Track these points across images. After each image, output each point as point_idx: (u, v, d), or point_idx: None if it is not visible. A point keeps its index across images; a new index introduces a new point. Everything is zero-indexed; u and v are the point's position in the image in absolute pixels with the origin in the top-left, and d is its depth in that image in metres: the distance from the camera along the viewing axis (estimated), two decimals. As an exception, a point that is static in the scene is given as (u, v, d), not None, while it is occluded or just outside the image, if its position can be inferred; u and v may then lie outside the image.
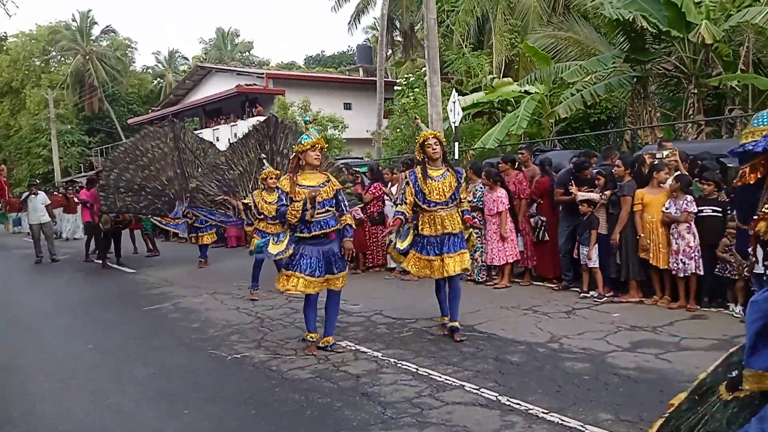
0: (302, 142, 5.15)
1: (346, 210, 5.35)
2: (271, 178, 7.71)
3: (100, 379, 5.11)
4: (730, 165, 6.67)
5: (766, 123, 1.54)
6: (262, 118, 12.37)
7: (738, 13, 11.48)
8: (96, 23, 42.53)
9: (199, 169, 10.68)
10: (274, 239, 5.58)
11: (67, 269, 12.34)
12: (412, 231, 5.63)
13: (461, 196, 5.65)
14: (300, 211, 5.05)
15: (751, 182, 1.54)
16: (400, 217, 5.54)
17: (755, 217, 1.50)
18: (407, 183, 5.61)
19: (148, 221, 12.59)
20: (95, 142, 39.01)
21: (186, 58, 48.97)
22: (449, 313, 5.72)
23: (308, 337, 5.43)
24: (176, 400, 4.49)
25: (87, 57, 39.62)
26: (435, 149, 5.54)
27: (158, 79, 46.81)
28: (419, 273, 5.70)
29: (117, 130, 38.67)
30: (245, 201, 8.25)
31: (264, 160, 8.26)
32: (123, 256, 12.32)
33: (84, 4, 79.04)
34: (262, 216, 7.72)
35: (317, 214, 5.12)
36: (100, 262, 12.10)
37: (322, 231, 5.18)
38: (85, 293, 9.43)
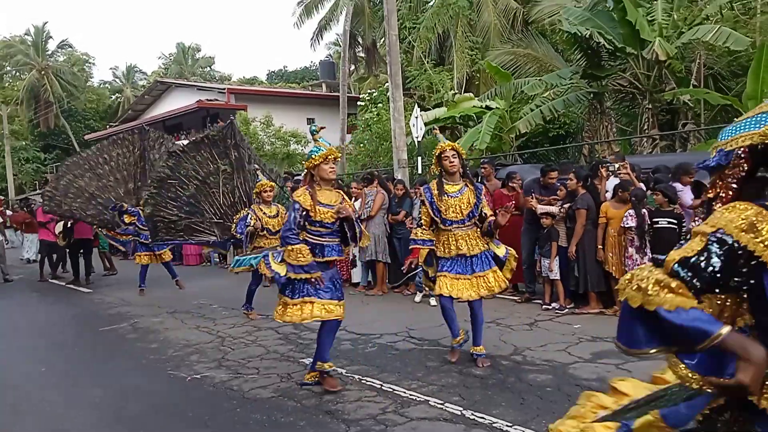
0: (313, 156, 4.52)
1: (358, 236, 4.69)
2: (266, 191, 7.26)
3: (54, 402, 4.91)
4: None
5: (726, 137, 1.54)
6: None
7: (689, 30, 11.92)
8: (51, 37, 41.60)
9: (87, 179, 10.00)
10: (274, 256, 4.69)
11: (22, 290, 11.91)
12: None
13: (485, 211, 5.07)
14: (303, 259, 4.42)
15: (710, 197, 1.59)
16: (418, 246, 5.10)
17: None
18: (422, 202, 5.18)
19: (106, 240, 12.25)
20: (51, 158, 37.99)
21: (145, 73, 48.22)
22: (473, 338, 5.20)
23: (327, 366, 4.71)
24: (134, 423, 4.35)
25: (42, 72, 38.65)
26: (453, 162, 5.05)
27: (116, 94, 45.96)
28: (448, 293, 5.02)
29: (74, 147, 37.71)
30: (252, 225, 7.16)
31: (258, 172, 7.62)
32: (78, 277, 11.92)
33: (39, 17, 77.61)
34: (264, 232, 7.21)
35: (330, 239, 4.58)
36: (55, 281, 11.74)
37: (334, 258, 4.67)
38: (39, 314, 9.10)
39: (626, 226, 6.43)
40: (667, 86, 12.76)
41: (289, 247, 4.43)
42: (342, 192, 4.81)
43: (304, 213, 4.47)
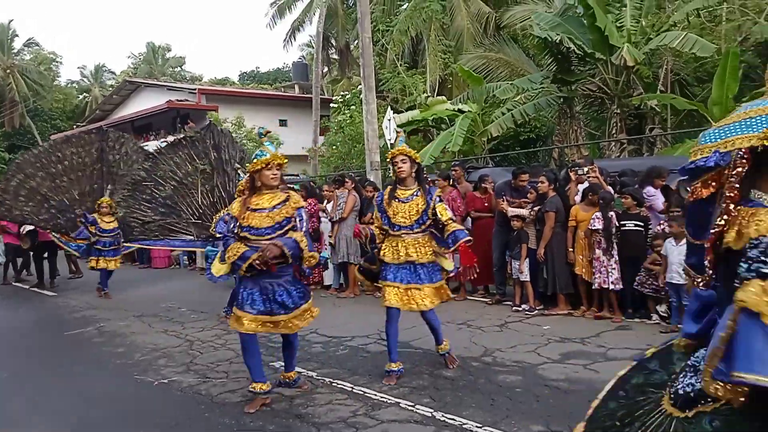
0: (255, 160, 4.38)
1: (307, 235, 4.52)
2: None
3: (16, 409, 4.78)
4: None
5: (713, 140, 1.59)
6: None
7: (657, 37, 12.18)
8: (17, 36, 40.66)
9: (111, 191, 9.54)
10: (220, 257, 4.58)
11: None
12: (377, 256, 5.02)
13: (441, 217, 4.89)
14: (239, 253, 4.26)
15: (704, 197, 1.61)
16: (368, 229, 5.20)
17: (711, 230, 1.56)
18: (376, 205, 5.19)
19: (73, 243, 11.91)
20: (16, 159, 37.05)
21: (114, 73, 47.36)
22: (434, 339, 5.12)
23: (257, 388, 4.45)
24: (98, 430, 4.26)
25: (8, 71, 37.72)
26: (401, 168, 4.93)
27: (84, 94, 45.09)
28: (397, 305, 4.83)
29: (39, 147, 36.89)
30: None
31: (240, 171, 7.27)
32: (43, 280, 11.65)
33: (5, 15, 75.65)
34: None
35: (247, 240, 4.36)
36: (19, 284, 11.45)
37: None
38: (2, 319, 8.85)
39: (593, 228, 6.52)
40: (635, 91, 13.00)
41: (231, 244, 4.38)
42: (292, 192, 4.62)
43: (234, 220, 4.39)
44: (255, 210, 4.34)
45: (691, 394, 1.61)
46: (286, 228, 4.36)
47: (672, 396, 1.69)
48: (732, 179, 1.53)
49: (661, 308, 6.23)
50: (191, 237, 7.98)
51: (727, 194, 1.53)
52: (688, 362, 1.72)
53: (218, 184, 7.93)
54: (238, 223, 4.36)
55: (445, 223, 4.90)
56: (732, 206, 1.52)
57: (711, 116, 11.55)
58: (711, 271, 1.63)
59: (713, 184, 1.59)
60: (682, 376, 1.71)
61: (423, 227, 4.92)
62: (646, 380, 1.91)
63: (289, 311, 4.37)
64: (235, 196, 7.04)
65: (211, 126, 8.44)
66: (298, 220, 4.43)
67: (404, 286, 4.84)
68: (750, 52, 14.19)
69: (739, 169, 1.52)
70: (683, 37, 11.41)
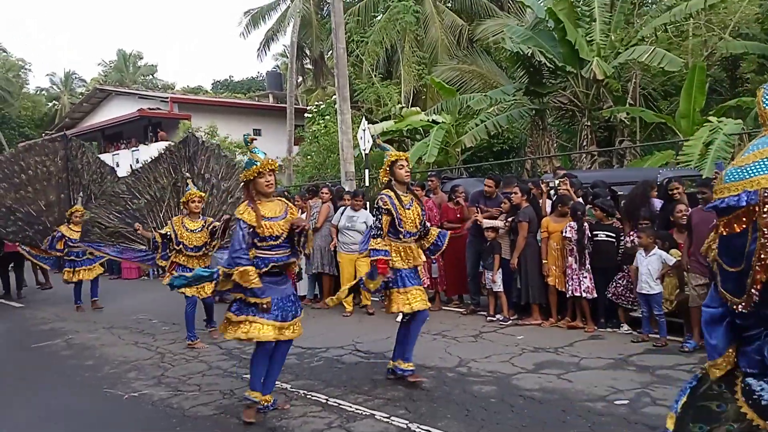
0: (248, 170, 4.26)
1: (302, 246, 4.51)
2: (194, 201, 6.73)
3: (-23, 426, 4.64)
4: (621, 193, 7.14)
5: (739, 178, 1.72)
6: (165, 143, 11.34)
7: (626, 51, 12.45)
8: (-16, 41, 39.85)
9: (93, 199, 9.38)
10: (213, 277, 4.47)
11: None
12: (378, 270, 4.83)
13: (427, 224, 5.11)
14: (251, 282, 4.12)
15: (738, 231, 1.76)
16: (381, 257, 4.72)
17: (759, 264, 1.69)
18: (386, 211, 4.80)
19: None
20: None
21: (84, 80, 46.67)
22: (403, 353, 5.04)
23: (254, 396, 4.35)
24: (65, 445, 4.15)
25: (-27, 77, 36.93)
26: (408, 172, 4.95)
27: (53, 101, 44.30)
28: (424, 307, 4.94)
29: (6, 155, 36.08)
30: (163, 231, 6.89)
31: (189, 180, 7.17)
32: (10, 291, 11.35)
33: (-30, 20, 73.86)
34: (180, 247, 6.73)
35: (280, 251, 4.32)
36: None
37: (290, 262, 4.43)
38: (-36, 331, 8.61)
39: (566, 236, 6.59)
40: (605, 104, 13.26)
41: (240, 269, 4.11)
42: (283, 199, 4.59)
43: (251, 230, 4.20)
44: (268, 219, 4.26)
45: None
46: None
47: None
48: (765, 216, 1.67)
49: (625, 326, 6.39)
50: (144, 247, 7.88)
51: (764, 230, 1.67)
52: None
53: None
54: (252, 232, 4.20)
55: (430, 228, 5.14)
56: None
57: (678, 129, 11.83)
58: (757, 296, 1.75)
59: (744, 219, 1.74)
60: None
61: (420, 233, 5.04)
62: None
63: (297, 316, 4.40)
64: (182, 207, 7.01)
65: (189, 138, 8.29)
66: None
67: (414, 288, 4.91)
68: (716, 66, 14.63)
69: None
70: (651, 52, 11.69)
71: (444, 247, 5.26)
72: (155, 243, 6.97)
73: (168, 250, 6.88)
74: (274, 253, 4.31)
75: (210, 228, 6.82)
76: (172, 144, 8.68)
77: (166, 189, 8.09)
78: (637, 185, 6.70)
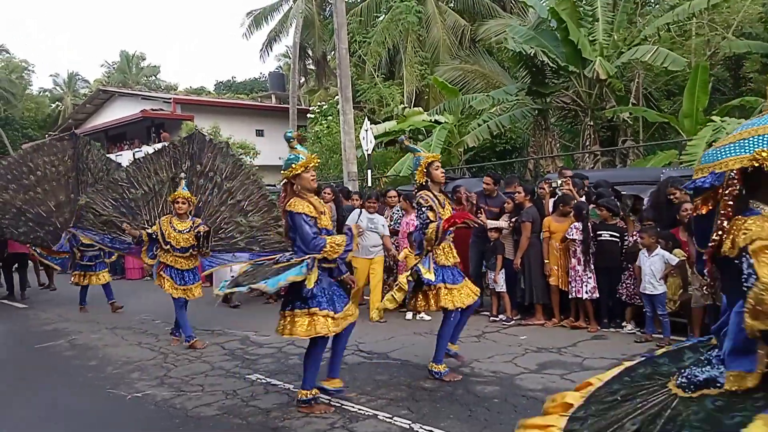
0: (292, 165, 4.30)
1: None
2: (178, 202, 6.65)
3: (-19, 426, 4.65)
4: (624, 193, 7.13)
5: (711, 160, 1.75)
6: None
7: (629, 51, 12.42)
8: (-13, 43, 39.97)
9: (11, 192, 9.20)
10: (306, 265, 4.19)
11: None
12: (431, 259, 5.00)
13: None
14: (343, 245, 4.27)
15: (703, 213, 1.81)
16: (434, 224, 4.87)
17: (709, 243, 1.73)
18: (430, 207, 4.98)
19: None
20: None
21: (87, 81, 46.82)
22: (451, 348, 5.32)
23: (312, 393, 4.46)
24: (68, 445, 4.15)
25: (-24, 79, 37.05)
26: (443, 172, 5.19)
27: (56, 102, 44.40)
28: (465, 303, 5.06)
29: (9, 156, 36.16)
30: (150, 231, 6.80)
31: (183, 181, 7.02)
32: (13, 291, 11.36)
33: (-26, 21, 74.00)
34: (168, 247, 6.65)
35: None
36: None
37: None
38: (-33, 332, 8.62)
39: (570, 237, 6.57)
40: (608, 104, 13.23)
41: (326, 247, 4.17)
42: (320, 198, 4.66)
43: (313, 221, 4.25)
44: (323, 213, 4.36)
45: (700, 380, 1.79)
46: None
47: (679, 381, 1.86)
48: (726, 198, 1.68)
49: (629, 326, 6.37)
50: (129, 241, 7.74)
51: (721, 211, 1.70)
52: (701, 357, 1.90)
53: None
54: (314, 223, 4.25)
55: None
56: (726, 222, 1.68)
57: (681, 128, 11.80)
58: (709, 279, 1.84)
59: (711, 201, 1.77)
60: (692, 366, 1.88)
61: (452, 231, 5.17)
62: (654, 371, 2.08)
63: (347, 304, 4.44)
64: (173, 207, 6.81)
65: (194, 135, 8.22)
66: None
67: (459, 285, 5.05)
68: (719, 66, 14.59)
69: (732, 189, 1.68)
70: (654, 51, 11.67)
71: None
72: (141, 241, 6.89)
73: (155, 249, 6.80)
74: None
75: (195, 231, 6.66)
76: (178, 139, 8.61)
77: (165, 183, 7.99)
78: (659, 184, 6.65)
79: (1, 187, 9.33)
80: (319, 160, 4.49)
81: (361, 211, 7.84)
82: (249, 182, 8.25)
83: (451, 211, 5.18)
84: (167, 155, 8.07)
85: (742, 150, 1.68)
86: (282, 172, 4.43)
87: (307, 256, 4.19)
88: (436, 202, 5.02)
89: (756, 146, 1.65)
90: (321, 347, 4.45)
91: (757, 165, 1.62)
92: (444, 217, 4.95)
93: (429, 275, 4.89)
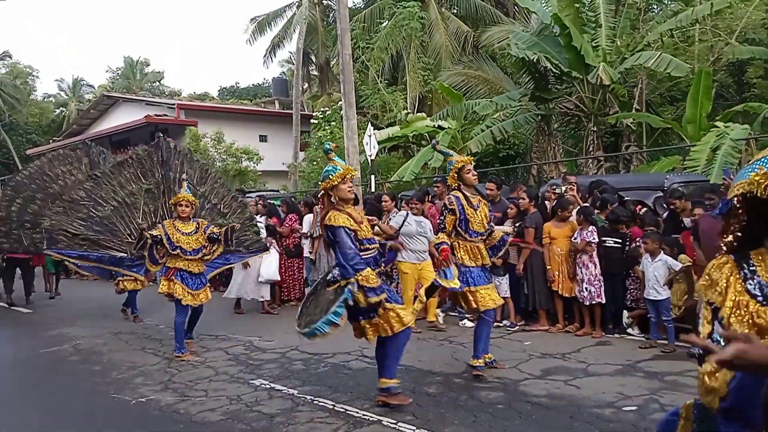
0: (330, 176, 4.36)
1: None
2: (181, 205, 6.42)
3: (-14, 431, 4.66)
4: (628, 198, 7.13)
5: (740, 178, 1.46)
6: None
7: (632, 56, 12.42)
8: (-8, 49, 40.14)
9: (39, 202, 9.03)
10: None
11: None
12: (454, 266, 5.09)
13: (491, 225, 5.45)
14: (374, 284, 4.25)
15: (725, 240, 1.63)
16: (446, 247, 4.99)
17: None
18: (450, 211, 5.09)
19: (50, 259, 11.44)
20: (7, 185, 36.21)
21: (91, 87, 46.96)
22: (483, 348, 5.31)
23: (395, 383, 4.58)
24: (73, 450, 4.16)
25: (-19, 84, 37.18)
26: (475, 174, 5.26)
27: (61, 108, 44.56)
28: (486, 306, 5.16)
29: (15, 162, 36.29)
30: (153, 233, 6.47)
31: (184, 183, 6.77)
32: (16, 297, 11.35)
33: (-21, 27, 74.32)
34: (178, 251, 6.41)
35: (368, 252, 4.44)
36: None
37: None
38: (-28, 337, 8.65)
39: (587, 240, 6.44)
40: (611, 110, 13.23)
41: (363, 274, 4.21)
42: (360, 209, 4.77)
43: (354, 234, 4.31)
44: (361, 223, 4.45)
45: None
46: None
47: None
48: (732, 226, 1.49)
49: (634, 331, 6.35)
50: (124, 254, 7.65)
51: (725, 240, 1.51)
52: None
53: (162, 204, 7.73)
54: (355, 235, 4.32)
55: (493, 229, 5.43)
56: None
57: (685, 134, 11.80)
58: None
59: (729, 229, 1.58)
60: None
61: (486, 233, 5.31)
62: None
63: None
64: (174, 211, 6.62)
65: (160, 142, 8.05)
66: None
67: (485, 287, 5.18)
68: (722, 71, 14.59)
69: (737, 218, 1.47)
70: (657, 57, 11.67)
71: (504, 250, 5.66)
72: (144, 243, 6.65)
73: (156, 253, 6.59)
74: (370, 254, 4.46)
75: (208, 234, 6.55)
76: (141, 149, 8.33)
77: (137, 195, 7.78)
78: (691, 192, 6.63)
79: (29, 198, 9.21)
80: (356, 172, 4.51)
81: (407, 214, 7.51)
82: (218, 185, 8.36)
83: (487, 212, 5.33)
84: (131, 167, 7.91)
85: (745, 174, 1.43)
86: (320, 183, 4.47)
87: (346, 283, 4.23)
88: (465, 204, 5.12)
89: (754, 169, 1.40)
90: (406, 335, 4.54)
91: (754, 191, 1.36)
92: (472, 218, 5.13)
93: (452, 284, 4.99)
